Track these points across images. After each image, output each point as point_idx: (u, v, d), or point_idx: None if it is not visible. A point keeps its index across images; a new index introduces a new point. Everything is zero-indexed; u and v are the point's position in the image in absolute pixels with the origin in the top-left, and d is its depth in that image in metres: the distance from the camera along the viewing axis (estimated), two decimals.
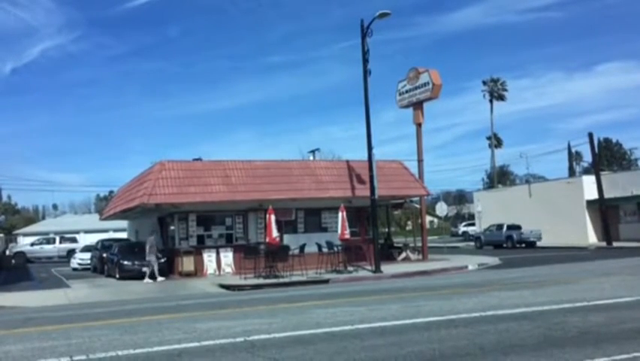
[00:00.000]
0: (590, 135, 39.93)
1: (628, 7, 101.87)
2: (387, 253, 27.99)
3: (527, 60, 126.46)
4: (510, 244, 40.41)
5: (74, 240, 46.79)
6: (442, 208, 42.98)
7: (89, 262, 31.85)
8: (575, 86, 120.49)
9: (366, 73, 22.72)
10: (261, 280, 20.25)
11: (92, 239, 42.70)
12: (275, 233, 21.40)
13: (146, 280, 22.17)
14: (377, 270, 21.80)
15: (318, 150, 33.33)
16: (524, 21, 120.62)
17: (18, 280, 25.06)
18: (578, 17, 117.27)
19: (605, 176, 42.31)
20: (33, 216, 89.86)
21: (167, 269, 24.26)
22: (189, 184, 23.86)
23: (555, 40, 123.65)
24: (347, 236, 22.78)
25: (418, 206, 31.73)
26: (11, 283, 23.57)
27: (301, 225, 26.65)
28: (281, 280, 20.05)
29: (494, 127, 74.56)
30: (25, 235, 61.21)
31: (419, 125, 30.00)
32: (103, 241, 31.54)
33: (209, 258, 24.37)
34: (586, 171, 62.91)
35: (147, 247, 22.59)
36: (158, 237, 27.77)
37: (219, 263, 24.32)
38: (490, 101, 73.20)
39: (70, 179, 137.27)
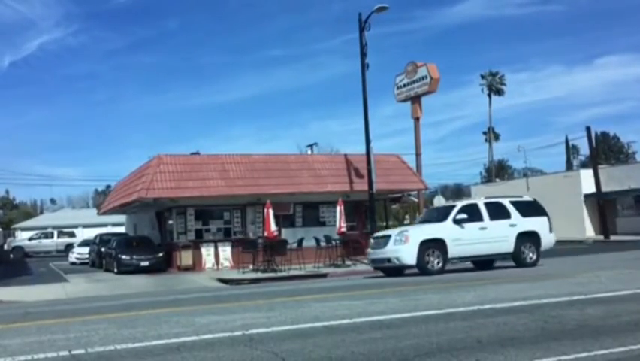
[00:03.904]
0: (588, 129, 40.02)
1: (628, 0, 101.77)
2: None
3: (527, 53, 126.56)
4: None
5: (72, 234, 46.79)
6: (439, 202, 42.98)
7: (87, 256, 31.88)
8: (574, 80, 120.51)
9: (364, 67, 22.73)
10: (259, 274, 20.29)
11: (90, 233, 42.74)
12: (273, 227, 21.44)
13: None
14: None
15: (316, 144, 33.39)
16: (524, 14, 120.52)
17: (16, 275, 25.07)
18: (578, 10, 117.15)
19: (603, 170, 42.36)
20: (31, 211, 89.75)
21: (165, 264, 24.30)
22: (187, 178, 23.88)
23: (555, 34, 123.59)
24: (344, 230, 22.82)
25: (415, 200, 31.78)
26: (9, 277, 23.57)
27: (299, 219, 26.69)
28: (279, 274, 20.10)
29: (493, 121, 74.68)
30: (23, 229, 61.19)
31: (417, 119, 30.03)
32: (101, 235, 31.58)
33: (207, 252, 24.41)
34: (583, 165, 62.98)
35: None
36: (157, 231, 27.80)
37: (217, 257, 24.35)
38: (489, 95, 73.21)
39: (69, 173, 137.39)
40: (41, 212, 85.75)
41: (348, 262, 22.86)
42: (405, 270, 17.32)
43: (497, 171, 76.60)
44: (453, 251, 16.78)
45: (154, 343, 6.97)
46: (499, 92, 73.02)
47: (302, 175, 26.02)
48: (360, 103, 23.19)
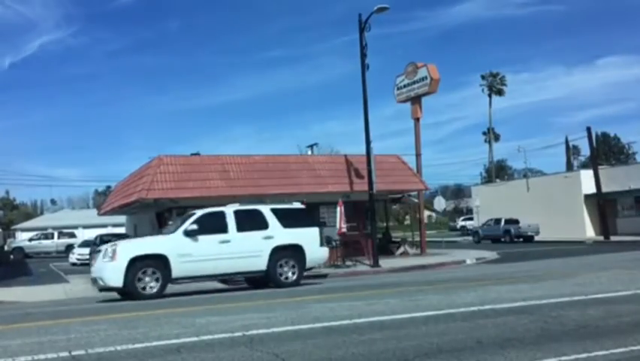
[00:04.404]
0: (588, 129, 40.03)
1: (629, 0, 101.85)
2: (386, 247, 28.04)
3: (527, 54, 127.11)
4: (508, 239, 40.49)
5: (73, 235, 46.82)
6: (439, 203, 43.05)
7: (87, 257, 31.78)
8: (575, 80, 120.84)
9: (364, 67, 22.70)
10: None
11: (90, 234, 42.78)
12: None
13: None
14: (375, 264, 21.84)
15: (316, 144, 33.37)
16: (525, 15, 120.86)
17: (17, 276, 25.09)
18: (578, 11, 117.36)
19: (603, 170, 42.38)
20: (31, 212, 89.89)
21: None
22: (187, 179, 23.86)
23: (556, 35, 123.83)
24: (345, 231, 22.80)
25: (416, 200, 31.76)
26: (10, 278, 23.58)
27: None
28: None
29: (493, 121, 74.80)
30: (24, 230, 61.26)
31: (417, 119, 30.01)
32: (101, 236, 31.55)
33: None
34: (584, 166, 63.01)
35: None
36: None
37: None
38: (489, 95, 73.24)
39: (69, 174, 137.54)
40: (41, 213, 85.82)
41: (348, 263, 22.85)
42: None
43: (497, 171, 76.61)
44: (179, 269, 14.15)
45: (154, 344, 6.97)
46: (500, 93, 73.04)
47: (302, 176, 26.01)
48: (360, 104, 23.21)
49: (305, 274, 20.25)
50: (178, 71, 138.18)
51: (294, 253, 15.42)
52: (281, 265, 15.30)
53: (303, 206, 16.98)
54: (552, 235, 39.59)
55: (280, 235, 15.32)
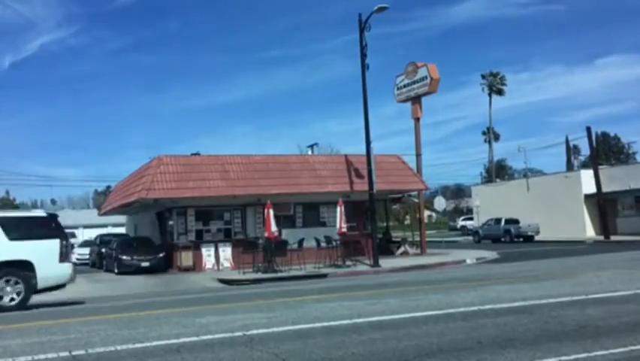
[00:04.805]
0: (588, 129, 39.97)
1: (629, 0, 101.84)
2: (386, 247, 28.03)
3: (527, 54, 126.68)
4: (508, 238, 40.46)
5: (73, 235, 46.78)
6: (439, 203, 43.02)
7: (87, 257, 31.93)
8: (575, 80, 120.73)
9: (364, 67, 22.70)
10: (260, 275, 20.28)
11: (90, 234, 42.81)
12: (273, 228, 21.41)
13: None
14: (375, 264, 21.84)
15: (316, 144, 33.36)
16: (525, 14, 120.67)
17: None
18: (579, 11, 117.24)
19: (603, 170, 42.34)
20: None
21: (166, 264, 24.30)
22: (187, 179, 23.87)
23: (556, 34, 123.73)
24: (345, 230, 22.80)
25: (416, 200, 31.76)
26: None
27: (299, 219, 26.69)
28: (279, 275, 20.08)
29: (493, 121, 74.66)
30: None
31: (417, 119, 29.99)
32: (101, 236, 31.61)
33: (207, 253, 24.39)
34: (584, 165, 62.95)
35: None
36: (157, 232, 27.80)
37: (218, 258, 24.34)
38: (489, 95, 73.17)
39: (69, 174, 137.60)
40: None
41: (348, 263, 22.84)
42: None
43: (497, 171, 76.56)
44: None
45: (154, 344, 6.97)
46: (500, 93, 72.95)
47: (302, 176, 26.01)
48: (360, 103, 23.21)
49: (304, 274, 20.28)
50: (178, 70, 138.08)
51: (19, 270, 12.78)
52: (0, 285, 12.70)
53: (44, 214, 14.43)
54: (552, 234, 39.53)
55: (2, 248, 12.69)
